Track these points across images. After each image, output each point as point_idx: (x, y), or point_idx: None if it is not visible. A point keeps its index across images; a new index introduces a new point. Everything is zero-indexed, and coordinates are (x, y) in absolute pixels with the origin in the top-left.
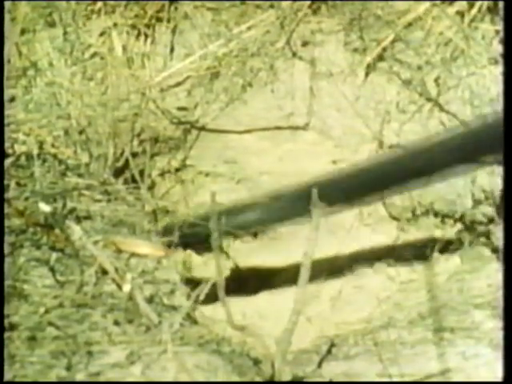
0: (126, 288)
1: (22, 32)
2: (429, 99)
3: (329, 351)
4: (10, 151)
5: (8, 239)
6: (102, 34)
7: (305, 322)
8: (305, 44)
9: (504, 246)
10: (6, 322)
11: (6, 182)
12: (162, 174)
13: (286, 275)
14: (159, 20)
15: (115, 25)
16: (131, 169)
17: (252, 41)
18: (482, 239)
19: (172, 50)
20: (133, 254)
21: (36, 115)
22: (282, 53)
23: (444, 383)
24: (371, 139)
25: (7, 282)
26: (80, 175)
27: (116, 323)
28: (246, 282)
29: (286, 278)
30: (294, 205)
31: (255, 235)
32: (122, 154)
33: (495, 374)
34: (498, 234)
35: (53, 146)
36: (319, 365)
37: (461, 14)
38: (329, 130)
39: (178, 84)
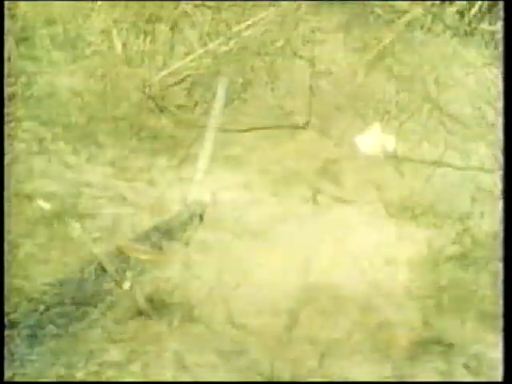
0: (126, 286)
1: (23, 29)
2: (428, 99)
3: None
4: (9, 148)
5: (8, 237)
6: (102, 32)
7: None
8: (305, 43)
9: (504, 246)
10: (5, 319)
11: (5, 179)
12: (161, 172)
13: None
14: (159, 18)
15: (115, 23)
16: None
17: (252, 39)
18: None
19: (172, 48)
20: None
21: (36, 112)
22: (281, 51)
23: (444, 383)
24: None
25: (7, 280)
26: (80, 173)
27: (116, 321)
28: None
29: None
30: None
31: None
32: (121, 151)
33: None
34: None
35: (52, 143)
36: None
37: (461, 13)
38: (329, 129)
39: (178, 82)
